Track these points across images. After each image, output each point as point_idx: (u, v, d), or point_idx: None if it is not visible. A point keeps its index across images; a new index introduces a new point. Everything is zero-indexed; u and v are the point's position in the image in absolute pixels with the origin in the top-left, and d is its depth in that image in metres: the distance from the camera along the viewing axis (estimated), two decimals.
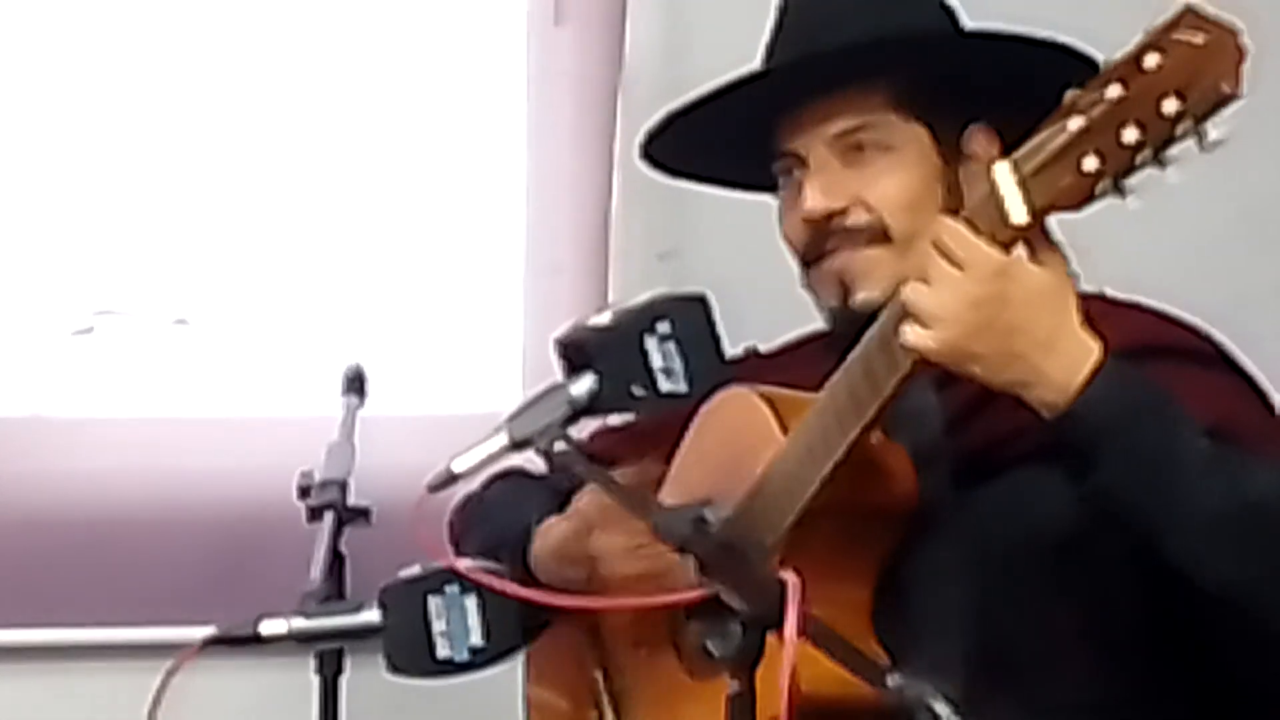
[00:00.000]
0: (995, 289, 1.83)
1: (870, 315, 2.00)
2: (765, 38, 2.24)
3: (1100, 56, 2.01)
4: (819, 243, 2.15)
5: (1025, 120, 1.85)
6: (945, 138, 2.13)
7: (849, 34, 2.13)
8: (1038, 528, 2.01)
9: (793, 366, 2.24)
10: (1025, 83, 2.04)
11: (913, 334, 1.86)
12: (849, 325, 2.10)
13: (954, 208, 2.08)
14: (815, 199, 2.14)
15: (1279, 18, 2.98)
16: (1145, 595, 1.96)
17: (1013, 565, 2.02)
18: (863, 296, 2.11)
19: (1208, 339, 2.12)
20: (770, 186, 2.24)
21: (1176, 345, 2.07)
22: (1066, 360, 1.86)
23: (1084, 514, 1.93)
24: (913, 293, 1.86)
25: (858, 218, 2.12)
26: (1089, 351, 1.87)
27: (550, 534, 2.27)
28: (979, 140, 2.14)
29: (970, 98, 2.11)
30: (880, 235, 2.12)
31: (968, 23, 2.25)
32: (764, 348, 2.37)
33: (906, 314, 1.86)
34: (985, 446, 2.04)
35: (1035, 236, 1.85)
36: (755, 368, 2.26)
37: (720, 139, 2.25)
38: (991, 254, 1.83)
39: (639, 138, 2.32)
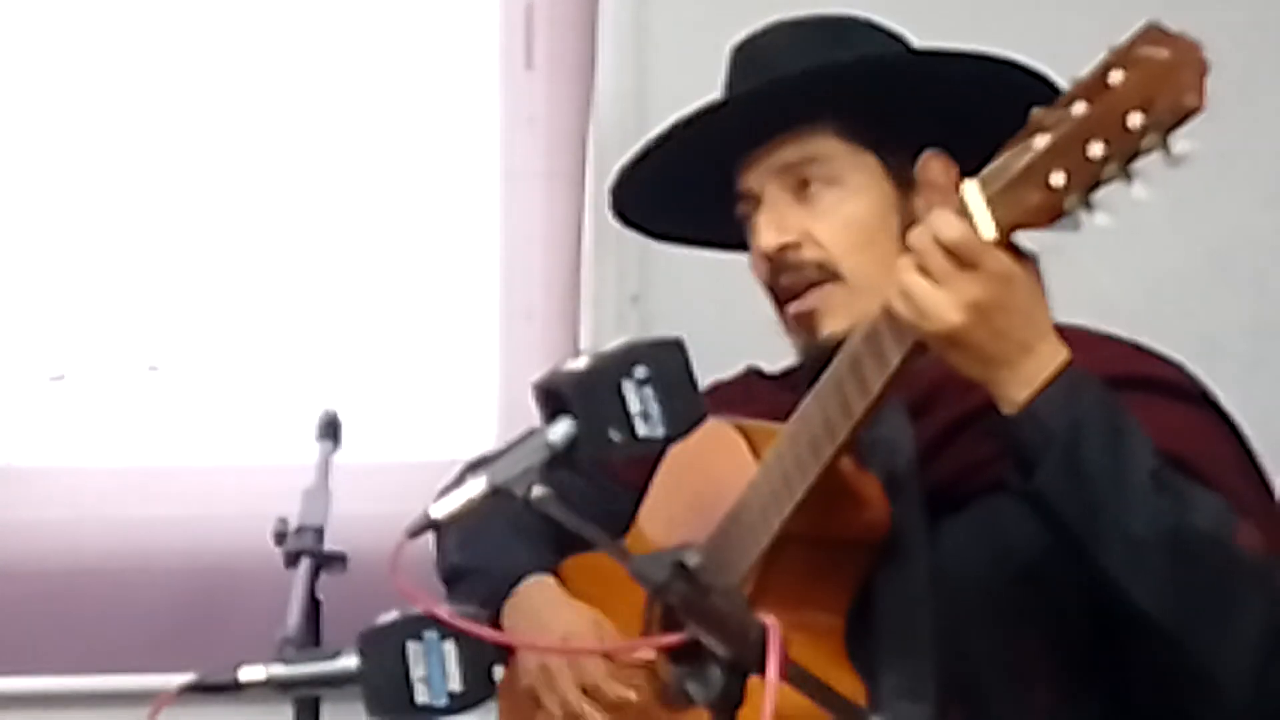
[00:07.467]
0: (1001, 294, 1.85)
1: (837, 347, 2.02)
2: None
3: (1050, 73, 2.03)
4: (778, 278, 2.17)
5: (979, 142, 1.86)
6: (897, 166, 2.15)
7: (790, 69, 2.15)
8: (1003, 556, 2.03)
9: (756, 398, 2.25)
10: (973, 102, 2.06)
11: (907, 310, 1.87)
12: (819, 360, 2.12)
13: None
14: (768, 235, 2.16)
15: (1241, 62, 3.02)
16: (1105, 623, 1.97)
17: (979, 594, 2.04)
18: (828, 332, 2.13)
19: (1183, 372, 2.13)
20: (744, 245, 2.24)
21: (1149, 377, 2.08)
22: (1038, 361, 1.89)
23: (1047, 543, 1.94)
24: (914, 286, 1.86)
25: (809, 253, 2.14)
26: (1057, 354, 1.90)
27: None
28: (932, 166, 2.16)
29: (920, 123, 2.13)
30: (831, 273, 2.14)
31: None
32: (723, 378, 2.37)
33: (901, 296, 1.87)
34: (956, 476, 2.06)
35: (1007, 251, 1.86)
36: (721, 396, 2.26)
37: (685, 190, 2.26)
38: (1002, 259, 1.85)
39: (608, 184, 2.33)
